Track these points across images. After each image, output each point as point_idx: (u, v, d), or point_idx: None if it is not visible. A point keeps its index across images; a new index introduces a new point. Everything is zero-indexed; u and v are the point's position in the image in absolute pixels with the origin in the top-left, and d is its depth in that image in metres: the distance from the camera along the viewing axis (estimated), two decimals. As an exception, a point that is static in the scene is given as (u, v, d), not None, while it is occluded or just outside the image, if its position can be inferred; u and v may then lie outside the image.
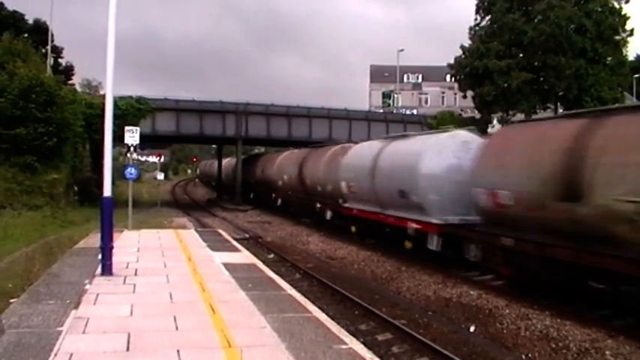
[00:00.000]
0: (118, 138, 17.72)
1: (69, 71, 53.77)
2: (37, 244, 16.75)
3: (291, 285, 11.69)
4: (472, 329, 11.64)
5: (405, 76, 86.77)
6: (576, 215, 11.00)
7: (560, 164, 11.49)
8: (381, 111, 68.74)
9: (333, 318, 9.40)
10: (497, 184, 13.29)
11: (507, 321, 11.89)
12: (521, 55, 44.60)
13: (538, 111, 46.65)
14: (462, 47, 47.98)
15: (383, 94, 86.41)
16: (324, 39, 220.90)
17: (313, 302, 10.44)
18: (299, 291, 11.23)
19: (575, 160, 11.14)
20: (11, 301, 9.51)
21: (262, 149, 67.72)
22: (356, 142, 26.58)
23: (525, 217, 12.47)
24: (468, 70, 46.18)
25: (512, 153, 13.20)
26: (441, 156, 16.97)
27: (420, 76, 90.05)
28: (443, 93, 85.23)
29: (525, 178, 12.46)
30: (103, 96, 12.18)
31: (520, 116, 49.20)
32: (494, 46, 44.33)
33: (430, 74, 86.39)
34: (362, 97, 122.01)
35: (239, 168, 45.25)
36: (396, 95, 77.50)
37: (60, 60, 53.18)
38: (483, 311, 12.68)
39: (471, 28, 48.42)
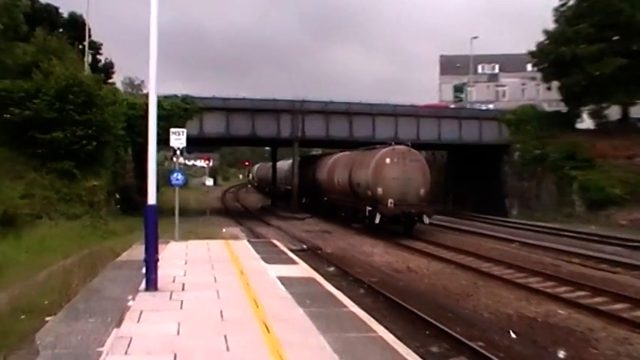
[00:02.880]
0: (163, 141, 17.58)
1: (109, 69, 54.54)
2: (76, 257, 17.08)
3: (354, 301, 11.61)
4: (561, 355, 11.35)
5: (480, 67, 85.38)
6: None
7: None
8: (453, 106, 67.98)
9: (400, 339, 9.29)
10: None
11: (604, 346, 11.54)
12: (616, 38, 42.91)
13: (638, 102, 45.10)
14: (546, 32, 46.62)
15: (454, 87, 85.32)
16: (388, 28, 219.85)
17: (379, 321, 10.34)
18: (363, 308, 11.14)
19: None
20: (47, 319, 9.66)
21: (320, 151, 67.94)
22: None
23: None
24: (553, 58, 44.63)
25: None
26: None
27: (497, 67, 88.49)
28: (523, 84, 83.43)
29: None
30: (146, 95, 12.36)
31: (615, 109, 48.16)
32: (583, 28, 42.73)
33: (508, 64, 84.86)
34: (431, 91, 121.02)
35: (295, 172, 45.60)
36: (469, 89, 76.62)
37: (98, 57, 53.87)
38: (575, 334, 12.36)
39: (555, 10, 46.92)
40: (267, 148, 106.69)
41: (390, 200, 30.74)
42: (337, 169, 38.95)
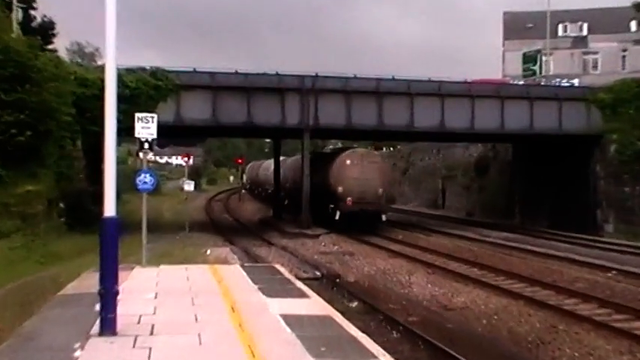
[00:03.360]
0: (126, 130, 17.77)
1: (48, 30, 54.17)
2: (2, 291, 16.89)
3: (386, 349, 11.41)
4: None
5: (561, 27, 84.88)
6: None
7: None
8: (522, 82, 67.33)
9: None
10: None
11: None
12: None
13: None
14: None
15: (524, 56, 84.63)
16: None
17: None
18: (397, 358, 11.05)
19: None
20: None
21: (339, 144, 67.78)
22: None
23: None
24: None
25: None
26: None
27: (585, 26, 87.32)
28: (623, 51, 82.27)
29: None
30: (102, 68, 12.34)
31: None
32: None
33: (601, 22, 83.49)
34: (491, 62, 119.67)
35: (306, 173, 45.56)
36: (545, 58, 76.07)
37: (32, 13, 53.48)
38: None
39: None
40: (268, 140, 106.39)
41: (348, 198, 43.88)
42: (348, 168, 46.16)
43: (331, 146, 74.28)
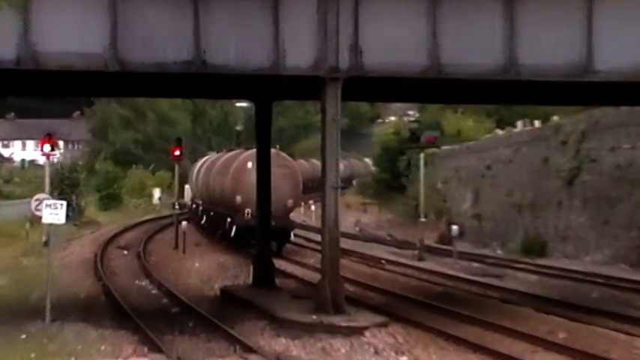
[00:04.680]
0: None
1: None
2: None
3: None
4: None
5: None
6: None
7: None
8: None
9: None
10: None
11: None
12: None
13: None
14: None
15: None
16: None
17: None
18: None
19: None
20: None
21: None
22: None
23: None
24: None
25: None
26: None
27: None
28: None
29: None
30: None
31: None
32: None
33: None
34: None
35: (343, 175, 47.88)
36: None
37: None
38: None
39: None
40: (243, 104, 77.29)
41: (247, 210, 40.53)
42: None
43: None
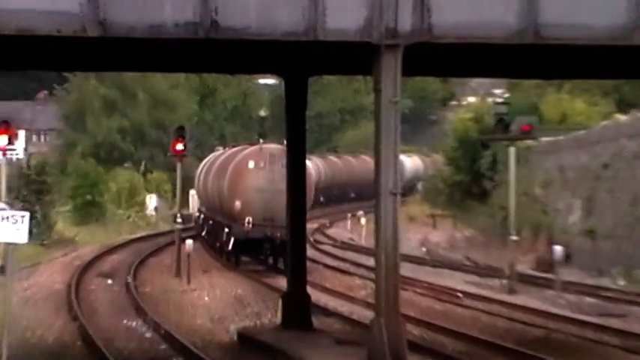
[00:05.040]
0: None
1: None
2: None
3: None
4: None
5: None
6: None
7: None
8: None
9: None
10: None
11: None
12: None
13: None
14: None
15: None
16: None
17: None
18: None
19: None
20: None
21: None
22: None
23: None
24: None
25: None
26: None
27: None
28: None
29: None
30: None
31: None
32: None
33: None
34: None
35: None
36: None
37: None
38: None
39: None
40: (269, 80, 77.80)
41: (248, 219, 45.01)
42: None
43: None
